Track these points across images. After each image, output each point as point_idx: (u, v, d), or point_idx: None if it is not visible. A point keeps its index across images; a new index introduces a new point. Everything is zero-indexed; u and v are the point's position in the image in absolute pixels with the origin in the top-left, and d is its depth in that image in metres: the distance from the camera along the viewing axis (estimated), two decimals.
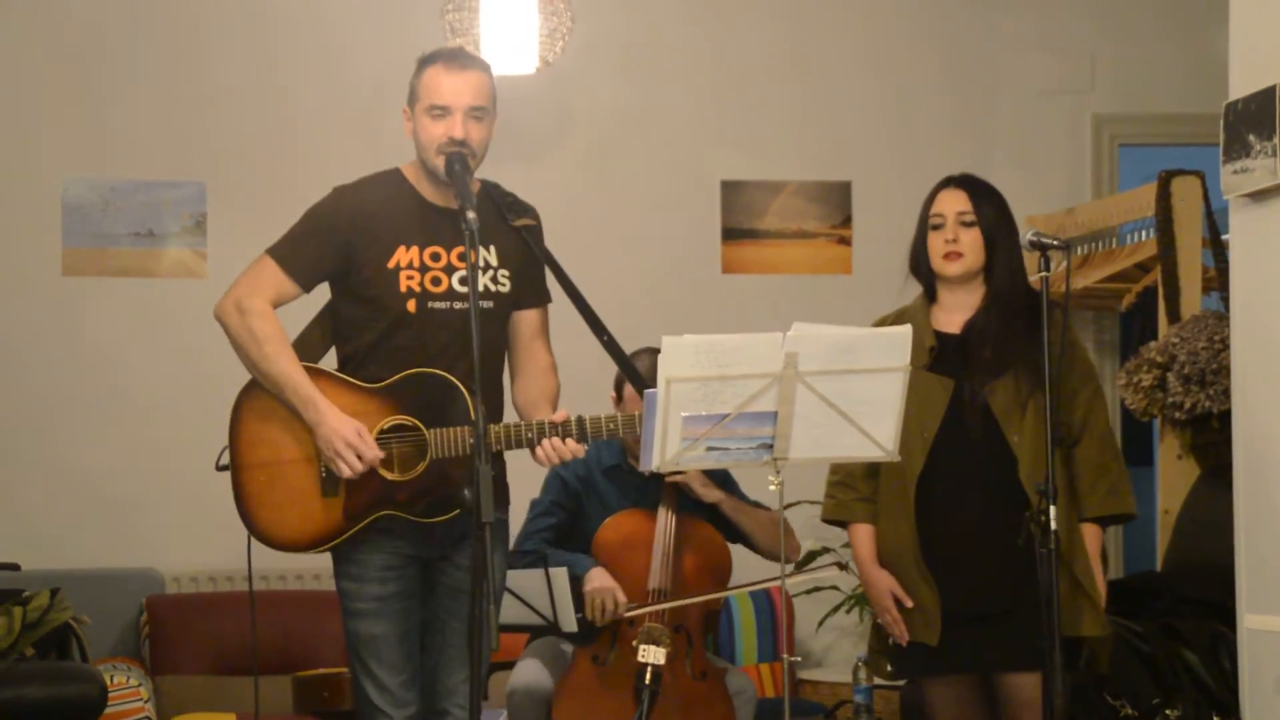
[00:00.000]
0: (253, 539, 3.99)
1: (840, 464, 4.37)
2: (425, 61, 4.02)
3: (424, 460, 3.89)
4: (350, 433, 3.86)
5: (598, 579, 4.85)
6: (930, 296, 4.41)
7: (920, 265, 4.40)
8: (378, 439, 3.89)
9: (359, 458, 3.85)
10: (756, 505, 5.17)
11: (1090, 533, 4.26)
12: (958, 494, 4.23)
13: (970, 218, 4.31)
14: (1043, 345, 4.06)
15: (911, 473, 4.25)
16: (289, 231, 4.05)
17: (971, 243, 4.30)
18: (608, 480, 5.14)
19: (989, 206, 4.34)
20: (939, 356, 4.30)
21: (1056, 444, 4.12)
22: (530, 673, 4.94)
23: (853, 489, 4.40)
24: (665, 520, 4.96)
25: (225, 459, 3.99)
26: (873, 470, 4.35)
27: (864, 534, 4.39)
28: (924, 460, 4.24)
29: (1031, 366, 4.16)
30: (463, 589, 3.93)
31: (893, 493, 4.32)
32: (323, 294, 4.11)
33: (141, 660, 6.11)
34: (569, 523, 5.11)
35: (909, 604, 4.27)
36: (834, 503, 4.46)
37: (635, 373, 4.07)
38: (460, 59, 4.01)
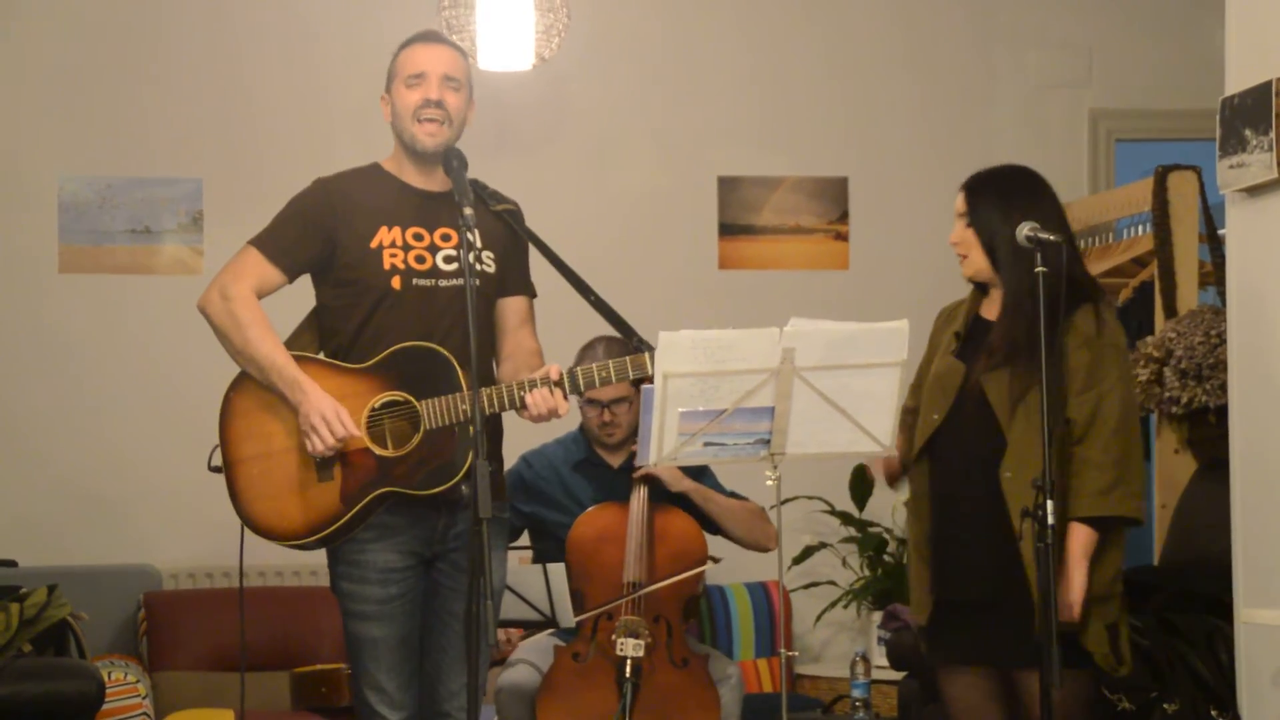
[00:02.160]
0: (250, 534, 3.96)
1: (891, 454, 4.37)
2: (401, 47, 4.08)
3: (418, 433, 3.87)
4: (327, 407, 3.84)
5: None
6: (983, 287, 4.37)
7: None
8: (370, 417, 3.88)
9: (331, 433, 3.83)
10: (732, 495, 5.16)
11: (1075, 533, 4.12)
12: (953, 478, 4.22)
13: (967, 219, 4.26)
14: (1062, 338, 4.05)
15: (909, 453, 4.25)
16: (271, 221, 4.06)
17: (972, 242, 4.25)
18: (578, 475, 5.12)
19: (984, 202, 4.27)
20: (966, 343, 4.27)
21: (1056, 440, 4.11)
22: (518, 671, 4.94)
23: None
24: (637, 511, 4.94)
25: (217, 459, 3.97)
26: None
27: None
28: (924, 441, 4.22)
29: (1037, 359, 4.12)
30: (464, 590, 3.91)
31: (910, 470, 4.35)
32: (311, 297, 4.11)
33: (139, 656, 6.11)
34: (524, 522, 5.10)
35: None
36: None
37: (627, 326, 3.98)
38: (434, 36, 4.09)
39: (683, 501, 5.06)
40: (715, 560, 4.91)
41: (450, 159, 3.94)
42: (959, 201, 4.28)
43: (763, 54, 7.00)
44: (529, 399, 3.86)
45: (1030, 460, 4.04)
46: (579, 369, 3.90)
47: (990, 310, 4.31)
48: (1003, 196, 4.25)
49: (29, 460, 6.50)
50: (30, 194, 6.56)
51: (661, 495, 5.01)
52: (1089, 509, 4.13)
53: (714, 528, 5.10)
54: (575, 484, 5.11)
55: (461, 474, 3.81)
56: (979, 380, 4.19)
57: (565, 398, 3.88)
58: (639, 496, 4.95)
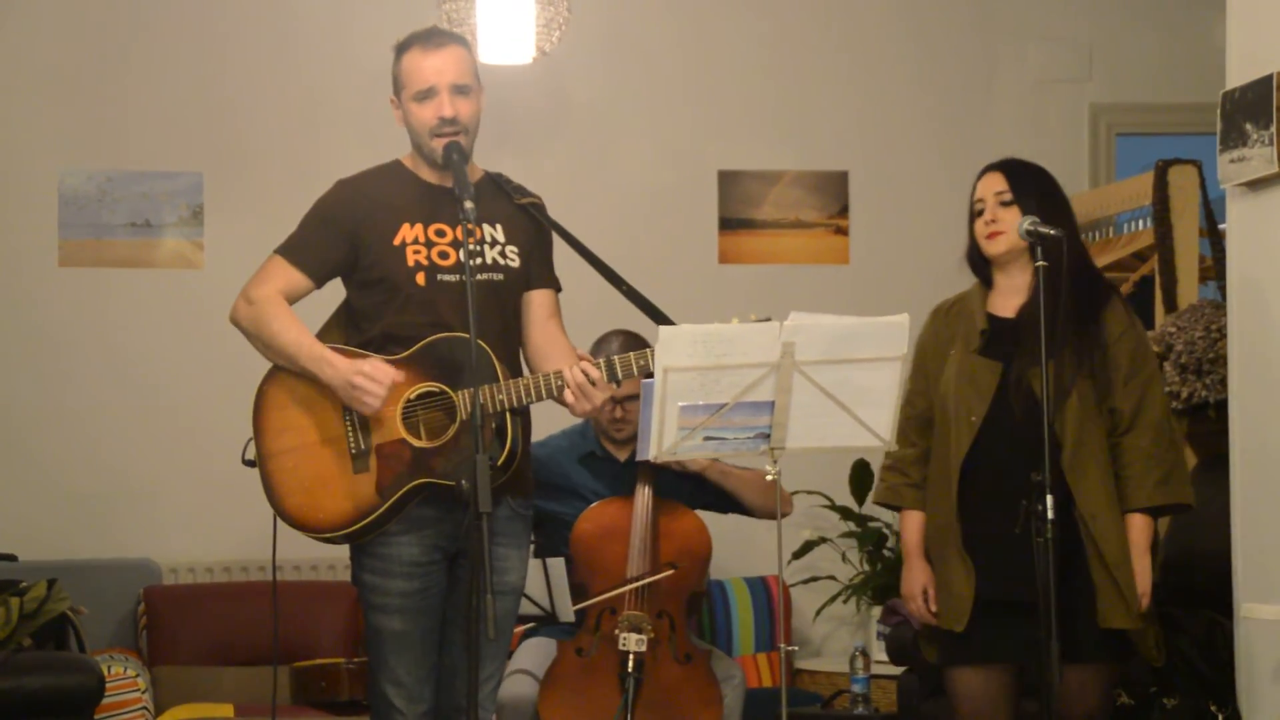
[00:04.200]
0: (285, 527, 3.93)
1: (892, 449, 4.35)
2: (402, 48, 4.02)
3: (454, 423, 3.86)
4: (361, 365, 3.84)
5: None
6: (987, 283, 4.37)
7: (972, 254, 4.36)
8: (404, 408, 3.87)
9: (378, 383, 3.81)
10: (744, 468, 5.15)
11: (1138, 524, 4.15)
12: (1002, 478, 4.17)
13: (1008, 197, 4.25)
14: (1101, 329, 4.06)
15: (956, 456, 4.21)
16: (295, 228, 4.06)
17: (1012, 220, 4.24)
18: (585, 469, 5.10)
19: (1030, 186, 4.27)
20: (991, 340, 4.26)
21: (1112, 432, 4.15)
22: (515, 682, 4.89)
23: (903, 474, 4.36)
24: (641, 506, 4.92)
25: (250, 453, 3.95)
26: (924, 455, 4.32)
27: (913, 521, 4.35)
28: (969, 444, 4.20)
29: (1082, 350, 4.13)
30: (484, 586, 3.89)
31: (939, 476, 4.27)
32: (338, 296, 4.11)
33: (139, 651, 6.11)
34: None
35: (930, 614, 4.28)
36: (885, 486, 4.42)
37: (660, 314, 3.97)
38: (435, 38, 4.01)
39: (698, 482, 5.03)
40: (674, 567, 4.88)
41: (450, 153, 3.93)
42: (997, 181, 4.28)
43: (763, 48, 6.99)
44: (567, 390, 3.85)
45: (1091, 450, 4.06)
46: (616, 357, 3.89)
47: (999, 305, 4.31)
48: (1043, 182, 4.32)
49: (29, 454, 6.50)
50: (30, 188, 6.56)
51: (668, 488, 4.99)
52: (1151, 499, 4.15)
53: (729, 506, 5.08)
54: (581, 477, 5.10)
55: (500, 461, 3.81)
56: (1024, 377, 4.17)
57: (602, 384, 3.85)
58: (644, 492, 4.94)
